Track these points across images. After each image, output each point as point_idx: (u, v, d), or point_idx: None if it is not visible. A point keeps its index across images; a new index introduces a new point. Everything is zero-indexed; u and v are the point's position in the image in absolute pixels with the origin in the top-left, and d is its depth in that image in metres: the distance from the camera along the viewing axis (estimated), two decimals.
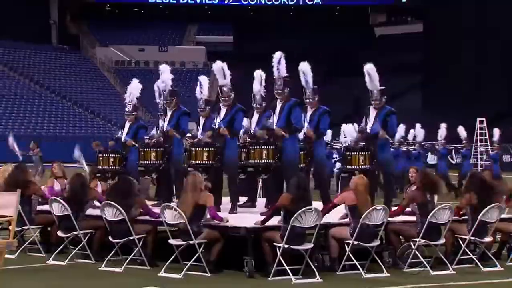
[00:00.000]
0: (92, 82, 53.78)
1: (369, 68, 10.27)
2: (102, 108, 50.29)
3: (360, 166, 10.04)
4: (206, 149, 10.36)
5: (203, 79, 11.51)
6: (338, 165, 15.46)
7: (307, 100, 10.40)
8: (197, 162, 10.38)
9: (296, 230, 8.42)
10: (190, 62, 58.52)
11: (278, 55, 10.21)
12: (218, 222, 8.88)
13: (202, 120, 11.30)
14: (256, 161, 9.97)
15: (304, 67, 10.37)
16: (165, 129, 10.95)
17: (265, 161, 9.88)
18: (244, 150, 10.46)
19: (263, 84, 10.56)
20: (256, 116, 10.84)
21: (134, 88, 11.59)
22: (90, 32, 61.46)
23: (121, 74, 55.79)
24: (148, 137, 11.65)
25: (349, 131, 16.35)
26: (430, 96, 46.62)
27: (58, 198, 9.69)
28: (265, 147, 9.90)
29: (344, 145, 15.87)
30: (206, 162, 10.35)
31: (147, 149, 10.75)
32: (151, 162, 10.70)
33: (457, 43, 49.05)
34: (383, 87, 10.28)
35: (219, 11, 62.01)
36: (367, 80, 10.29)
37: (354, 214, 8.71)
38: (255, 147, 9.96)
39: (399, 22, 59.06)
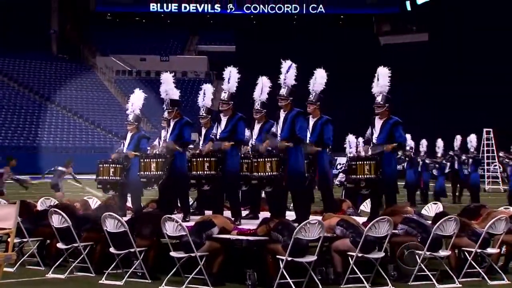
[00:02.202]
0: (93, 92, 53.88)
1: (382, 71, 10.30)
2: (103, 119, 50.35)
3: (365, 176, 10.05)
4: (207, 159, 10.38)
5: (207, 88, 11.56)
6: (340, 176, 15.46)
7: (308, 103, 10.44)
8: (198, 172, 10.40)
9: (300, 243, 8.44)
10: (192, 71, 58.63)
11: (288, 63, 10.24)
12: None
13: (203, 130, 11.35)
14: (260, 173, 9.94)
15: (320, 73, 10.45)
16: (167, 140, 10.97)
17: (269, 173, 9.86)
18: (246, 161, 10.47)
19: (266, 91, 10.60)
20: (257, 127, 10.86)
21: (137, 98, 11.61)
22: (91, 41, 61.63)
23: (122, 84, 55.91)
24: (149, 147, 11.68)
25: (354, 142, 16.40)
26: (435, 106, 46.59)
27: (58, 210, 9.72)
28: (269, 159, 9.88)
29: (349, 155, 15.89)
30: (207, 172, 10.37)
31: (147, 160, 10.75)
32: (151, 173, 10.70)
33: (463, 53, 49.13)
34: (388, 95, 10.29)
35: (221, 20, 62.21)
36: (374, 83, 10.31)
37: None
38: (259, 159, 9.94)
39: (404, 31, 59.11)
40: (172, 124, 11.02)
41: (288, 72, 10.19)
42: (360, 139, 16.17)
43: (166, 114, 11.63)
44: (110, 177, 11.09)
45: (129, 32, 60.42)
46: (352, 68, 49.44)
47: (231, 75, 10.69)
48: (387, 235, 8.87)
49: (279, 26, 59.84)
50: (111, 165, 11.17)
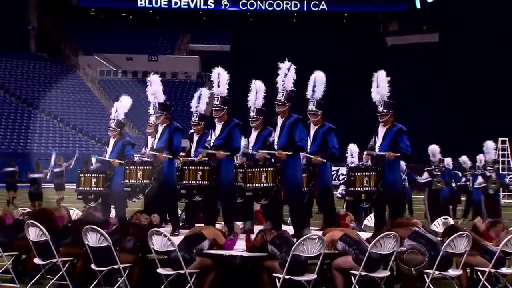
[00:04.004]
0: (74, 94, 53.89)
1: (379, 75, 10.33)
2: (85, 123, 50.35)
3: (364, 188, 10.08)
4: (200, 168, 10.37)
5: (204, 92, 11.54)
6: (341, 187, 15.44)
7: (309, 112, 10.45)
8: (190, 182, 10.40)
9: (298, 259, 8.44)
10: (183, 72, 58.75)
11: (286, 65, 10.22)
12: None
13: (195, 137, 11.34)
14: (255, 185, 9.92)
15: (318, 76, 10.44)
16: (155, 147, 11.00)
17: (265, 184, 9.86)
18: (241, 170, 10.46)
19: (261, 97, 10.60)
20: (254, 134, 10.85)
21: (123, 104, 11.65)
22: (73, 39, 61.65)
23: (106, 86, 55.94)
24: (139, 155, 11.72)
25: (356, 152, 16.42)
26: (447, 112, 46.69)
27: (35, 222, 9.70)
28: (264, 169, 9.87)
29: (350, 165, 15.89)
30: (200, 182, 10.37)
31: (133, 167, 10.77)
32: (137, 181, 10.72)
33: (477, 54, 49.20)
34: (390, 101, 10.31)
35: (215, 18, 62.32)
36: (373, 88, 10.34)
37: None
38: (253, 170, 9.94)
39: (413, 31, 59.27)
40: (160, 129, 11.03)
41: (287, 75, 10.17)
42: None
43: (152, 119, 11.65)
44: (92, 188, 11.13)
45: (114, 29, 60.53)
46: (357, 70, 49.49)
47: (220, 77, 10.68)
48: (393, 252, 8.86)
49: (277, 24, 59.97)
50: (93, 175, 11.20)
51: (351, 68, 50.81)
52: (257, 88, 10.58)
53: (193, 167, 10.43)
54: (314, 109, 10.49)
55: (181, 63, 59.58)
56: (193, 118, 11.37)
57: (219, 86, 10.63)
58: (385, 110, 10.24)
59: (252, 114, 10.66)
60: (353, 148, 16.44)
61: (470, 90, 46.99)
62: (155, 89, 11.27)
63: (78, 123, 50.10)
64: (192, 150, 11.30)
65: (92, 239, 9.12)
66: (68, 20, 61.93)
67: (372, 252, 8.69)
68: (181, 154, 11.37)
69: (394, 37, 59.83)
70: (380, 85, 10.29)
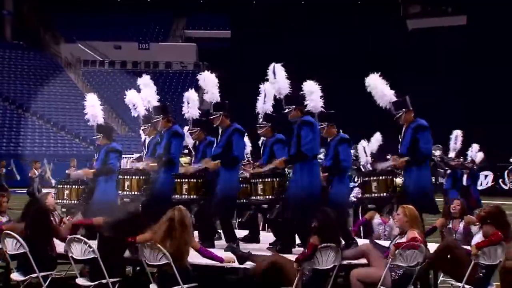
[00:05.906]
0: (55, 86, 53.83)
1: (369, 82, 10.38)
2: (68, 120, 50.26)
3: (373, 195, 10.26)
4: (186, 180, 10.53)
5: (190, 96, 11.61)
6: (356, 190, 15.36)
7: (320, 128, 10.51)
8: (176, 196, 10.55)
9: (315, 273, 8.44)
10: (178, 62, 58.68)
11: (272, 66, 10.21)
12: (219, 263, 8.93)
13: (197, 145, 11.53)
14: (257, 197, 10.15)
15: (308, 87, 10.38)
16: (156, 153, 11.18)
17: (268, 196, 10.04)
18: (245, 185, 10.63)
19: (270, 100, 10.64)
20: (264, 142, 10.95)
21: (91, 104, 11.84)
22: (54, 25, 61.63)
23: (92, 77, 55.93)
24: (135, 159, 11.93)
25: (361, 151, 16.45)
26: (473, 102, 46.59)
27: (12, 233, 9.67)
28: (268, 179, 10.06)
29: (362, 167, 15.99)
30: (185, 196, 10.46)
31: (129, 177, 10.92)
32: (125, 192, 10.93)
33: (507, 39, 49.15)
34: (402, 99, 10.33)
35: (213, 1, 62.25)
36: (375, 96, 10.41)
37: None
38: (257, 180, 10.12)
39: (437, 13, 59.17)
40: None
41: (275, 77, 10.18)
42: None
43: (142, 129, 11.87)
44: (64, 201, 11.29)
45: (100, 14, 60.42)
46: (374, 57, 49.47)
47: (207, 82, 10.75)
48: (417, 263, 8.78)
49: (283, 7, 59.85)
50: (65, 187, 11.42)
51: (368, 56, 50.74)
52: (266, 91, 10.64)
53: (179, 180, 10.58)
54: (320, 123, 10.57)
55: (176, 52, 59.44)
56: (189, 128, 11.53)
57: (207, 92, 10.70)
58: (397, 114, 10.28)
59: (260, 119, 10.76)
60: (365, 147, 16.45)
61: (500, 79, 46.89)
62: (147, 93, 11.48)
63: (60, 120, 50.02)
64: (193, 159, 11.50)
65: (77, 251, 9.11)
66: (48, 4, 61.84)
67: (401, 266, 8.60)
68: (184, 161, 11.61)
69: (415, 20, 59.74)
70: (375, 91, 10.40)
